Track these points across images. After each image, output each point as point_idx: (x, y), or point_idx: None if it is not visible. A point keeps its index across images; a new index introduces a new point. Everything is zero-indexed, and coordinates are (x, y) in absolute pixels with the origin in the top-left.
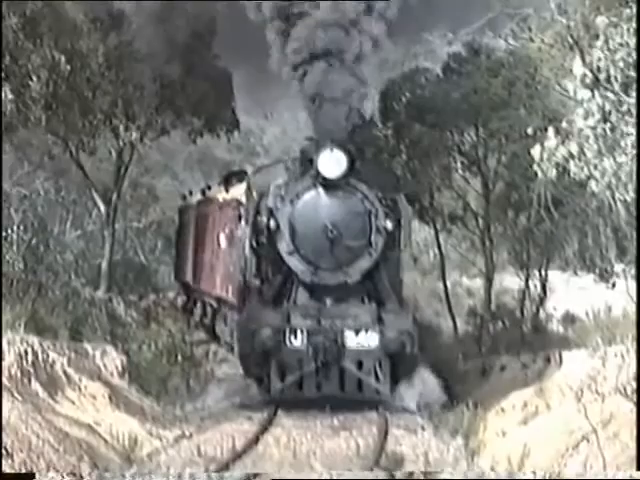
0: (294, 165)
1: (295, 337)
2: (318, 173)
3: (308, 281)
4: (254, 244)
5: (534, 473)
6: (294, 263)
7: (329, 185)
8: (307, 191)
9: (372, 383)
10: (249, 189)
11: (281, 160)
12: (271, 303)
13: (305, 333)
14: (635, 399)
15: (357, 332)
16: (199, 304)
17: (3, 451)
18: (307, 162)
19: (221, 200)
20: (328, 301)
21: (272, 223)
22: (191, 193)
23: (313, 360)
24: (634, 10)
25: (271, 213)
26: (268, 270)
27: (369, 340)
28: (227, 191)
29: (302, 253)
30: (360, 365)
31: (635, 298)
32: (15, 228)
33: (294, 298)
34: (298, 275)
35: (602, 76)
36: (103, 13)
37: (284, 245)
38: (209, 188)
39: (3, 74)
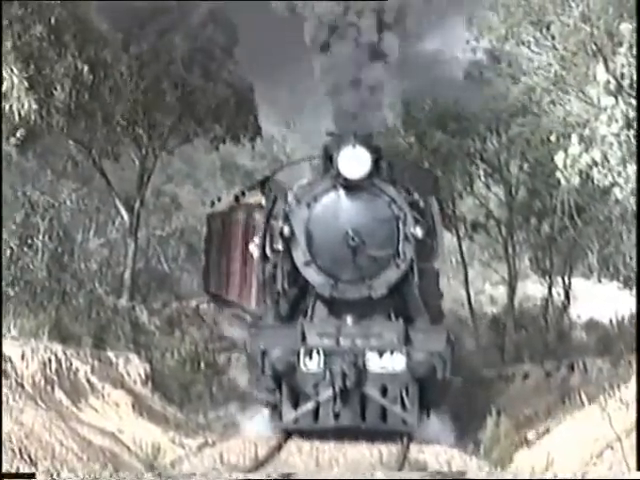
0: (320, 164)
1: (311, 359)
2: (339, 173)
3: (327, 295)
4: (268, 252)
5: None
6: (311, 275)
7: (351, 186)
8: (326, 193)
9: (398, 412)
10: (269, 190)
11: (306, 158)
12: (285, 319)
13: (322, 354)
14: None
15: (381, 354)
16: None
17: (26, 457)
18: (327, 160)
19: (252, 205)
20: (349, 318)
21: (286, 229)
22: (219, 199)
23: (331, 385)
24: None
25: (286, 217)
26: (283, 282)
27: (395, 363)
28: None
29: (320, 264)
30: (384, 391)
31: None
32: (40, 237)
33: (310, 314)
34: (315, 288)
35: (626, 83)
36: (125, 22)
37: (300, 254)
38: (243, 194)
39: (27, 84)
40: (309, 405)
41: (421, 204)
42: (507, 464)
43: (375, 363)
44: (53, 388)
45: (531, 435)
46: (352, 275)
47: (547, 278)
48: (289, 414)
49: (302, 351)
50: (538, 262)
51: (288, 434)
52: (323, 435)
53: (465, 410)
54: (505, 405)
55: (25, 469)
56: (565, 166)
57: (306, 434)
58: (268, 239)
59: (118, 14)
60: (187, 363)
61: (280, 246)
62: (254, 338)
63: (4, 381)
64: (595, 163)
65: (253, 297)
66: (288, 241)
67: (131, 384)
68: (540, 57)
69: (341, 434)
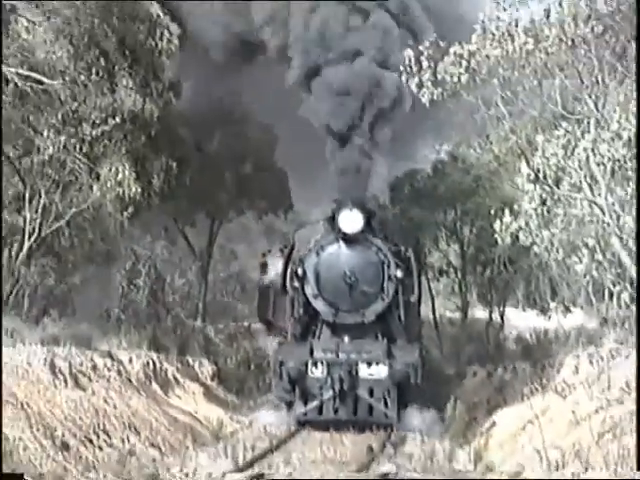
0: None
1: (316, 368)
2: (339, 229)
3: (330, 320)
4: (289, 289)
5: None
6: (319, 305)
7: (349, 239)
8: (330, 244)
9: (382, 408)
10: (290, 243)
11: (320, 220)
12: (299, 338)
13: (325, 365)
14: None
15: (369, 365)
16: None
17: (133, 429)
18: (332, 220)
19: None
20: (346, 338)
21: (300, 270)
22: (270, 251)
23: (331, 388)
24: (562, 131)
25: (301, 262)
26: (299, 310)
27: (379, 371)
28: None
29: (325, 296)
30: (371, 393)
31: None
32: (142, 278)
33: (318, 334)
34: (322, 315)
35: (540, 175)
36: (198, 128)
37: (310, 289)
38: (269, 251)
39: (135, 176)
40: (315, 403)
41: (402, 254)
42: (461, 436)
43: (365, 371)
44: (150, 382)
45: (479, 415)
46: (349, 306)
47: (488, 307)
48: (300, 409)
49: (310, 362)
50: (482, 296)
51: (300, 424)
52: (325, 425)
53: (432, 399)
54: (460, 395)
55: (131, 438)
56: (501, 231)
57: (313, 424)
58: (288, 278)
59: (194, 122)
60: (241, 365)
61: (296, 283)
62: (275, 352)
63: (119, 377)
64: (520, 228)
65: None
66: (302, 280)
67: (203, 379)
68: (483, 157)
69: (339, 425)
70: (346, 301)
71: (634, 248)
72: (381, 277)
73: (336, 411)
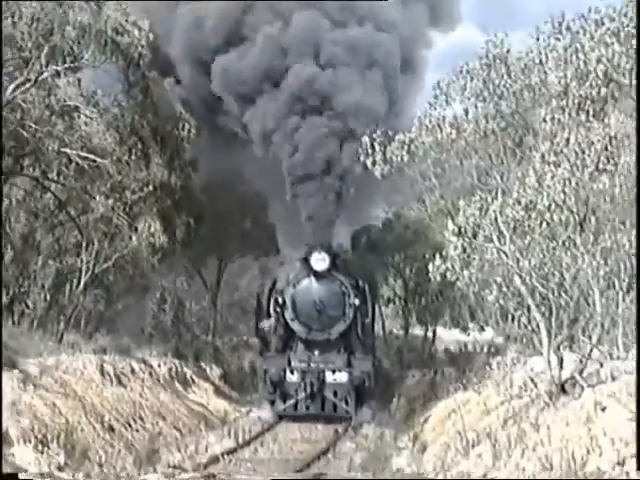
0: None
1: (293, 374)
2: (311, 267)
3: (304, 338)
4: (272, 313)
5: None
6: (295, 326)
7: (318, 275)
8: (304, 279)
9: (343, 406)
10: (275, 279)
11: (296, 260)
12: (279, 351)
13: (300, 372)
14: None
15: (334, 372)
16: None
17: (160, 417)
18: (305, 260)
19: None
20: (316, 351)
21: (280, 299)
22: (263, 290)
23: (304, 390)
24: (477, 198)
25: (281, 293)
26: (280, 330)
27: (342, 377)
28: None
29: (300, 319)
30: (335, 394)
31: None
32: (167, 304)
33: (294, 349)
34: (297, 333)
35: (462, 230)
36: (210, 198)
37: (288, 314)
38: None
39: (162, 229)
40: (292, 401)
41: (359, 286)
42: (403, 422)
43: (330, 377)
44: (174, 381)
45: (417, 406)
46: (318, 326)
47: (424, 326)
48: (280, 406)
49: (288, 370)
50: (419, 318)
51: (280, 417)
52: (300, 418)
53: (382, 395)
54: (402, 392)
55: (160, 423)
56: (433, 270)
57: (290, 418)
58: (272, 305)
59: (207, 189)
60: (242, 370)
61: (278, 309)
62: (261, 362)
63: (150, 378)
64: (447, 269)
65: None
66: (282, 306)
67: (213, 380)
68: (420, 216)
69: (310, 418)
70: (316, 323)
71: (530, 283)
72: (343, 304)
73: (308, 408)
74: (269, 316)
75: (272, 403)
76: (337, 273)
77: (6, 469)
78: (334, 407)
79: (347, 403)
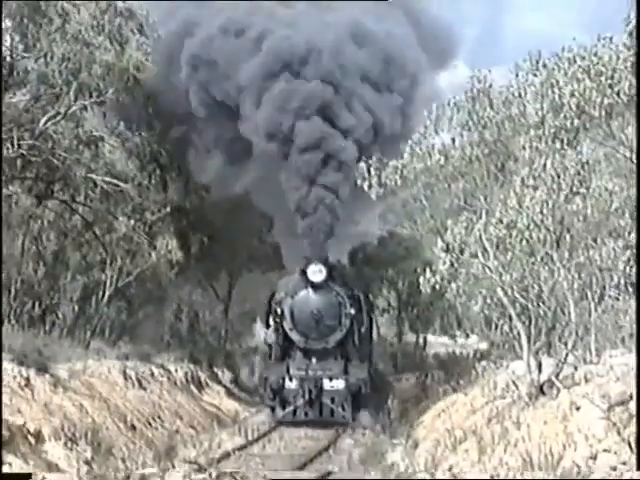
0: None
1: (292, 382)
2: (308, 278)
3: (302, 347)
4: (272, 323)
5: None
6: (293, 335)
7: (315, 286)
8: (301, 290)
9: (340, 412)
10: (273, 291)
11: (295, 272)
12: (279, 359)
13: (298, 379)
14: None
15: (331, 379)
16: None
17: (176, 417)
18: (303, 272)
19: None
20: (314, 359)
21: (279, 310)
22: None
23: (303, 397)
24: (464, 217)
25: (280, 303)
26: (279, 339)
27: (338, 384)
28: None
29: (298, 329)
30: (333, 400)
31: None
32: (184, 314)
33: (293, 357)
34: (296, 342)
35: (450, 247)
36: (222, 218)
37: (287, 324)
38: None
39: (179, 246)
40: (291, 407)
41: (355, 297)
42: (398, 422)
43: (328, 384)
44: (189, 384)
45: (410, 407)
46: (316, 335)
47: (416, 334)
48: (280, 413)
49: (287, 377)
50: (412, 327)
51: (279, 423)
52: (298, 424)
53: (379, 396)
54: (397, 393)
55: (177, 422)
56: (423, 283)
57: (289, 423)
58: (272, 315)
59: (218, 210)
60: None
61: (277, 319)
62: (262, 370)
63: (168, 381)
64: (437, 282)
65: None
66: (281, 316)
67: (225, 383)
68: (410, 233)
69: (308, 424)
70: (314, 332)
71: (512, 295)
72: (339, 314)
73: (306, 414)
74: (268, 326)
75: (272, 410)
76: (333, 284)
77: (39, 465)
78: (331, 413)
79: (344, 409)
